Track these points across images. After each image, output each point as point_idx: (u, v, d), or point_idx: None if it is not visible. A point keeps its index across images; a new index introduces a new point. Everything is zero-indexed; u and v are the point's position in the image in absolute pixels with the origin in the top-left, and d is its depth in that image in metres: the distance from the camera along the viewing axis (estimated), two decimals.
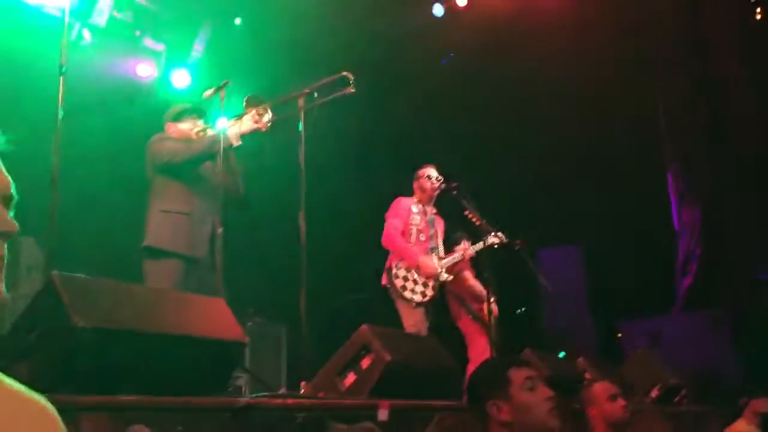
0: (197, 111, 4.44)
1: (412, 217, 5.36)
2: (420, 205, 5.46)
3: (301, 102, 4.15)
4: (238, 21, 7.71)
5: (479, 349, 5.87)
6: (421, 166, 5.59)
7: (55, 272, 2.14)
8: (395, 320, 5.17)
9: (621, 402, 3.32)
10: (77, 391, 1.87)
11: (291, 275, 3.89)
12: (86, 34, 7.46)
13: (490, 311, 5.89)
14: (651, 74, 8.53)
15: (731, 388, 6.29)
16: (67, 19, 3.08)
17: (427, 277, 5.20)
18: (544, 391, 2.25)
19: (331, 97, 4.02)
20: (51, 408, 0.99)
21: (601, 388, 3.34)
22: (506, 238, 5.41)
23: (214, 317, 2.49)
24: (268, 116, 4.23)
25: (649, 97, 8.44)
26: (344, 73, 4.05)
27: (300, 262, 3.78)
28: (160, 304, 2.37)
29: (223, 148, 4.02)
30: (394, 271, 5.18)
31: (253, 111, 4.20)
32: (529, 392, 2.22)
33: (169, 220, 4.08)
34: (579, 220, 8.27)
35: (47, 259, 2.82)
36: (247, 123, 4.21)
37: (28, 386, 1.89)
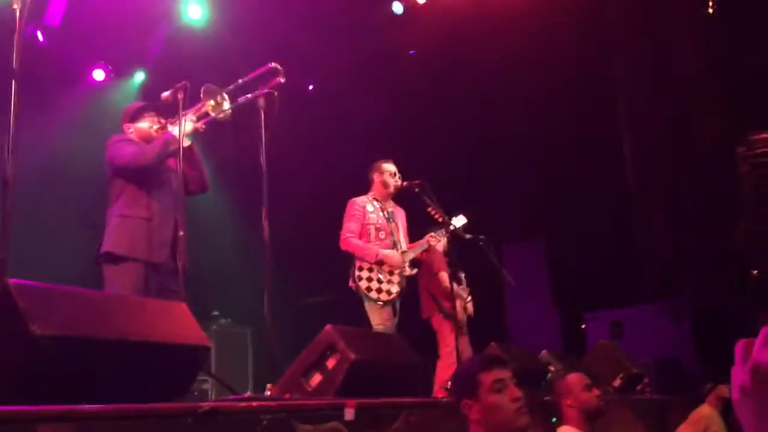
0: (154, 108, 4.36)
1: (368, 217, 5.35)
2: (376, 202, 5.44)
3: (261, 102, 4.13)
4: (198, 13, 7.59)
5: (449, 347, 5.91)
6: (378, 161, 5.57)
7: (9, 280, 2.09)
8: (363, 319, 5.17)
9: (596, 392, 3.42)
10: (37, 402, 1.84)
11: (255, 276, 3.87)
12: (40, 35, 7.33)
13: (464, 310, 5.97)
14: (613, 70, 8.64)
15: (692, 377, 6.45)
16: (19, 19, 2.99)
17: (392, 268, 5.20)
18: (513, 392, 2.39)
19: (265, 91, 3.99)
20: None
21: (575, 379, 3.44)
22: (469, 233, 5.46)
23: (176, 322, 2.46)
24: (227, 104, 4.18)
25: (610, 90, 8.55)
26: (273, 65, 4.03)
27: (263, 263, 3.76)
28: (120, 310, 2.33)
29: (183, 144, 3.96)
30: (357, 273, 5.18)
31: (212, 100, 4.15)
32: (496, 394, 2.37)
33: (128, 224, 3.99)
34: (541, 214, 8.37)
35: (0, 267, 2.75)
36: (206, 114, 4.17)
37: None
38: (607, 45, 8.53)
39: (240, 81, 4.10)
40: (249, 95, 4.17)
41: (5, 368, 1.95)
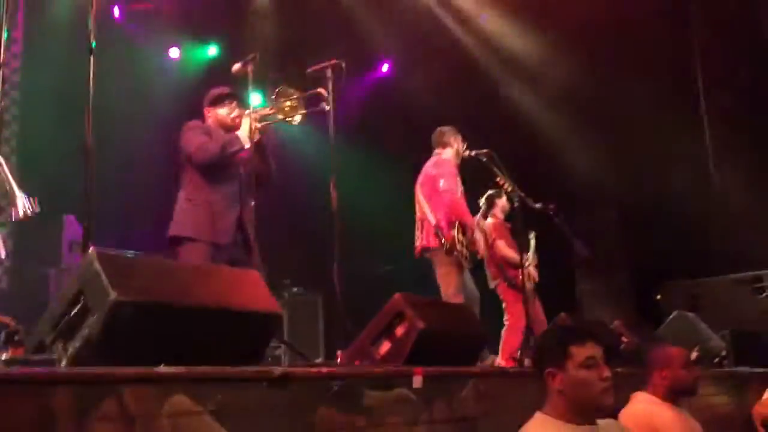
0: (235, 96, 4.41)
1: (458, 181, 5.32)
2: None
3: (329, 73, 4.15)
4: None
5: (516, 315, 5.90)
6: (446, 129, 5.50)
7: (93, 248, 2.19)
8: (432, 289, 5.18)
9: (696, 372, 3.33)
10: (119, 364, 1.93)
11: (326, 245, 3.93)
12: (116, 12, 7.54)
13: (525, 276, 5.91)
14: (690, 31, 8.26)
15: None
16: None
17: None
18: (603, 371, 2.35)
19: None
20: None
21: (678, 353, 3.34)
22: (539, 203, 5.38)
23: (250, 289, 2.53)
24: (299, 114, 4.20)
25: (687, 54, 8.18)
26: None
27: (333, 232, 3.82)
28: (196, 277, 2.41)
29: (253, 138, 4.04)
30: (455, 235, 5.09)
31: (286, 103, 4.18)
32: (586, 369, 2.32)
33: (193, 209, 4.09)
34: (614, 181, 8.16)
35: (86, 235, 2.88)
36: (277, 116, 4.21)
37: (73, 360, 1.96)
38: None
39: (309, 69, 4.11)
40: (317, 66, 4.21)
41: (91, 332, 2.04)
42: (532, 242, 6.47)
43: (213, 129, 4.29)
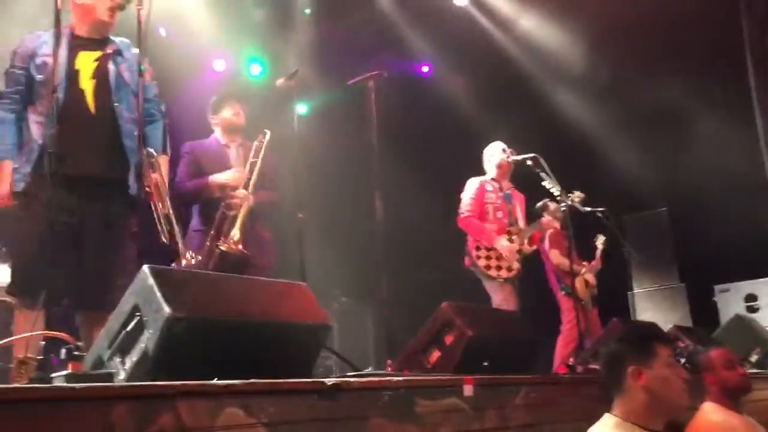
0: (235, 95, 4.51)
1: (487, 196, 5.31)
2: (494, 183, 5.40)
3: (371, 84, 4.18)
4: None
5: (570, 324, 5.86)
6: (489, 142, 5.54)
7: (146, 266, 2.25)
8: (479, 297, 5.17)
9: (740, 370, 3.32)
10: (174, 378, 1.97)
11: (374, 255, 3.95)
12: (162, 31, 7.72)
13: (581, 284, 5.85)
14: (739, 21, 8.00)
15: None
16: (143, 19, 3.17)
17: (506, 260, 5.16)
18: (682, 372, 2.37)
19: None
20: None
21: (717, 355, 3.36)
22: (588, 206, 5.33)
23: (299, 302, 2.56)
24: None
25: (736, 44, 7.94)
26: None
27: (380, 243, 3.84)
28: (247, 291, 2.45)
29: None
30: (475, 253, 5.16)
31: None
32: (669, 368, 2.33)
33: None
34: (664, 181, 7.99)
35: (138, 254, 2.97)
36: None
37: (130, 375, 2.01)
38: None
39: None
40: (359, 77, 4.24)
41: (145, 348, 2.09)
42: (600, 247, 6.41)
43: (205, 154, 4.38)
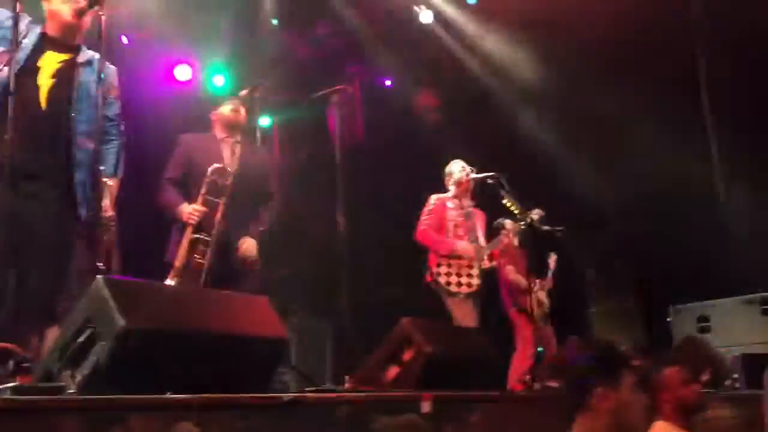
0: (239, 97, 4.44)
1: (448, 213, 5.34)
2: (455, 200, 5.43)
3: (335, 98, 4.19)
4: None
5: (525, 340, 5.89)
6: (450, 160, 5.58)
7: (99, 276, 2.20)
8: (439, 314, 5.17)
9: (695, 387, 3.33)
10: (127, 392, 1.93)
11: (333, 271, 3.94)
12: (124, 39, 7.62)
13: (534, 302, 5.90)
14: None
15: None
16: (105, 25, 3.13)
17: (468, 260, 5.18)
18: (644, 398, 2.40)
19: None
20: None
21: (673, 373, 3.35)
22: (548, 224, 5.39)
23: (257, 315, 2.53)
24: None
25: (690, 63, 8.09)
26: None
27: (340, 258, 3.82)
28: (204, 303, 2.42)
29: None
30: (435, 269, 5.17)
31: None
32: (633, 395, 2.33)
33: (177, 234, 4.07)
34: (620, 202, 8.12)
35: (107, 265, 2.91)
36: None
37: (81, 388, 1.96)
38: None
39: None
40: (323, 92, 4.24)
41: (95, 360, 2.04)
42: (552, 265, 6.48)
43: (198, 147, 4.28)
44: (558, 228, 5.68)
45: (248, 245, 4.08)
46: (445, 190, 5.50)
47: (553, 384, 3.82)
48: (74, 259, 3.14)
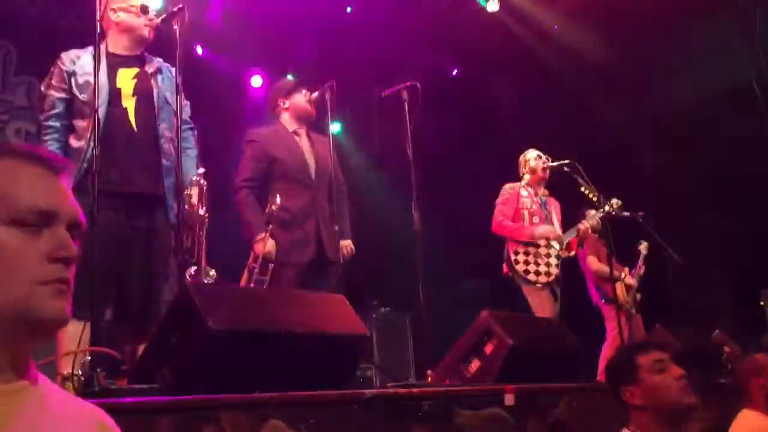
0: (307, 83, 4.42)
1: (522, 201, 5.27)
2: (529, 188, 5.35)
3: (405, 95, 4.19)
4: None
5: (614, 331, 5.78)
6: (524, 149, 5.51)
7: (187, 280, 2.29)
8: (519, 306, 5.13)
9: None
10: (216, 391, 2.00)
11: (411, 265, 3.95)
12: (199, 49, 7.85)
13: (622, 289, 5.77)
14: None
15: None
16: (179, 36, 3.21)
17: (551, 240, 5.10)
18: (675, 371, 2.30)
19: None
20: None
21: (765, 359, 3.21)
22: (627, 210, 5.25)
23: (336, 312, 2.58)
24: None
25: None
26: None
27: (416, 252, 3.84)
28: (285, 303, 2.48)
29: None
30: (513, 257, 5.11)
31: None
32: (658, 374, 2.28)
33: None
34: (710, 184, 7.80)
35: (180, 267, 3.01)
36: None
37: (173, 388, 2.04)
38: None
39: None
40: (392, 89, 4.25)
41: (189, 360, 2.13)
42: (644, 252, 6.32)
43: (274, 141, 4.26)
44: (640, 213, 5.53)
45: (348, 248, 4.20)
46: (519, 179, 5.44)
47: None
48: (168, 265, 3.28)
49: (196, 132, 3.58)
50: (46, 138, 3.20)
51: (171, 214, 3.25)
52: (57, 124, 3.22)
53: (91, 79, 2.95)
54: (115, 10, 3.34)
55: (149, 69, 3.37)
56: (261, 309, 2.34)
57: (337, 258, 4.12)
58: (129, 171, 3.20)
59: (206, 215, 3.29)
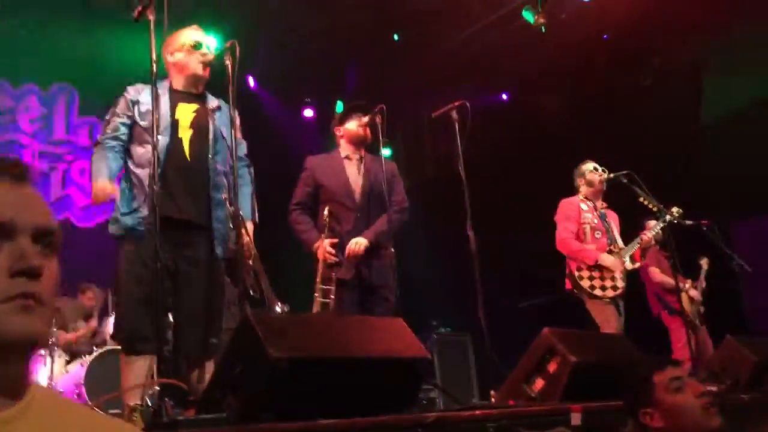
0: (360, 106, 4.49)
1: (583, 216, 5.18)
2: (589, 202, 5.27)
3: (455, 114, 4.20)
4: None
5: (680, 343, 5.62)
6: (580, 162, 5.43)
7: (249, 309, 2.33)
8: (581, 322, 5.03)
9: None
10: (281, 418, 2.02)
11: (471, 285, 3.93)
12: (251, 81, 8.04)
13: (686, 300, 5.61)
14: None
15: None
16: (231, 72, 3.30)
17: (613, 272, 5.01)
18: (695, 387, 2.15)
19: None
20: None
21: None
22: (689, 218, 5.12)
23: (395, 336, 2.58)
24: None
25: None
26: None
27: (474, 272, 3.82)
28: (345, 329, 2.50)
29: None
30: (577, 273, 5.02)
31: None
32: (676, 393, 2.13)
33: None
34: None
35: (241, 296, 3.06)
36: None
37: (239, 417, 2.08)
38: None
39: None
40: (442, 109, 4.27)
41: (253, 389, 2.16)
42: (705, 267, 6.16)
43: (323, 168, 4.37)
44: (703, 221, 5.39)
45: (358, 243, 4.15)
46: (575, 194, 5.36)
47: (712, 389, 3.61)
48: (223, 296, 3.34)
49: (252, 170, 3.66)
50: (103, 151, 3.32)
51: (219, 247, 3.33)
52: (117, 143, 3.35)
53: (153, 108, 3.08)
54: (171, 52, 3.47)
55: (209, 105, 3.48)
56: (321, 336, 2.36)
57: (380, 282, 4.16)
58: (181, 200, 3.28)
59: (256, 256, 3.35)
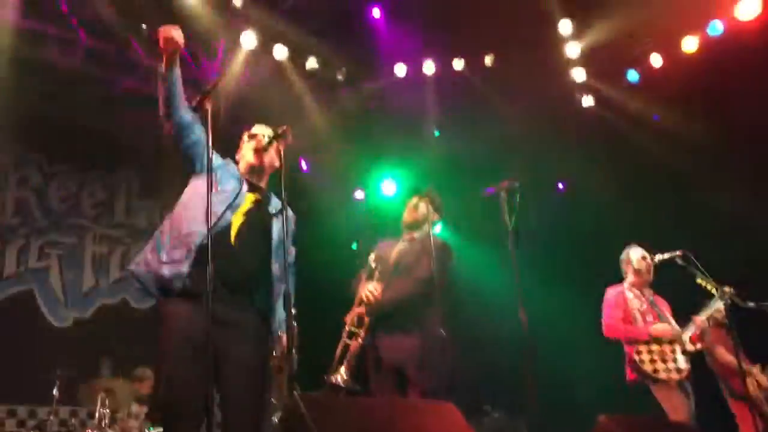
0: (417, 191, 4.59)
1: (630, 302, 5.04)
2: (635, 290, 5.13)
3: (503, 193, 4.21)
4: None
5: (748, 430, 5.31)
6: (626, 247, 5.29)
7: (296, 392, 2.31)
8: (641, 410, 4.83)
9: None
10: None
11: (523, 369, 3.85)
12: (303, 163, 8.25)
13: (753, 384, 5.33)
14: None
15: None
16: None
17: (668, 342, 4.82)
18: None
19: None
20: None
21: None
22: (744, 297, 4.93)
23: (446, 422, 2.52)
24: None
25: None
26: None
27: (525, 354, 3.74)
28: (393, 413, 2.46)
29: None
30: (637, 358, 4.82)
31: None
32: None
33: None
34: None
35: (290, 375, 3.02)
36: None
37: None
38: None
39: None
40: (493, 187, 4.28)
41: None
42: None
43: (383, 248, 4.49)
44: (765, 303, 5.18)
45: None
46: (621, 279, 5.23)
47: None
48: (270, 380, 3.30)
49: (294, 278, 3.55)
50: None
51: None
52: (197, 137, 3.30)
53: (225, 175, 3.31)
54: (240, 145, 3.59)
55: (272, 210, 3.41)
56: (369, 420, 2.33)
57: (393, 356, 4.07)
58: (222, 280, 3.10)
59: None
